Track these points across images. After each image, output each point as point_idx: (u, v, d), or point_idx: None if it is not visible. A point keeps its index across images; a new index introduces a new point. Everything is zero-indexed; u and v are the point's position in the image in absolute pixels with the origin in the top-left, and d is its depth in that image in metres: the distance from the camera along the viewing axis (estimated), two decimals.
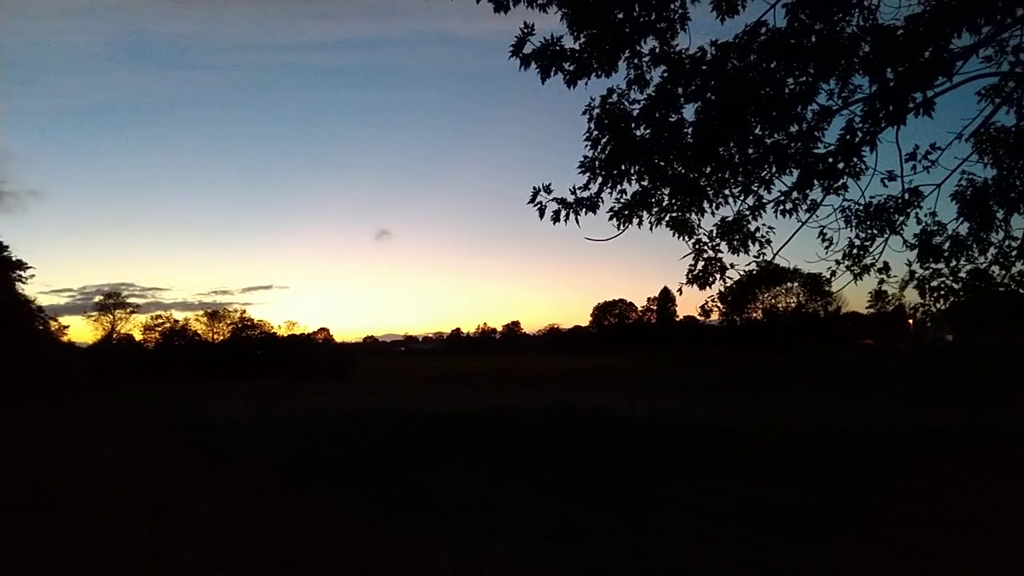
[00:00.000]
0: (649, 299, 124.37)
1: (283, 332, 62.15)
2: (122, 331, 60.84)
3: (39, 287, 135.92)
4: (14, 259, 33.13)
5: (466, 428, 15.83)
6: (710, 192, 6.86)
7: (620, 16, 6.04)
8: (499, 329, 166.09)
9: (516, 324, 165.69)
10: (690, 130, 6.35)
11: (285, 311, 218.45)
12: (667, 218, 7.11)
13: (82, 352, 47.61)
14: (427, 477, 10.09)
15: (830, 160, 6.44)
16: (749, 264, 7.29)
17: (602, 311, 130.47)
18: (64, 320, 59.79)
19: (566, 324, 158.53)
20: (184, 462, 11.80)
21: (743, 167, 6.59)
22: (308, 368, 51.94)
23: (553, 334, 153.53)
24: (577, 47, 6.21)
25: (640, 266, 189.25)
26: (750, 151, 6.49)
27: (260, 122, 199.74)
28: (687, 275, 7.33)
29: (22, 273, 33.41)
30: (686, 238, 7.23)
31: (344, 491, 9.19)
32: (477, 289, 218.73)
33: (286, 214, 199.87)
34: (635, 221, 6.97)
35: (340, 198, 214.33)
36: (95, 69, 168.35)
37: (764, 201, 6.88)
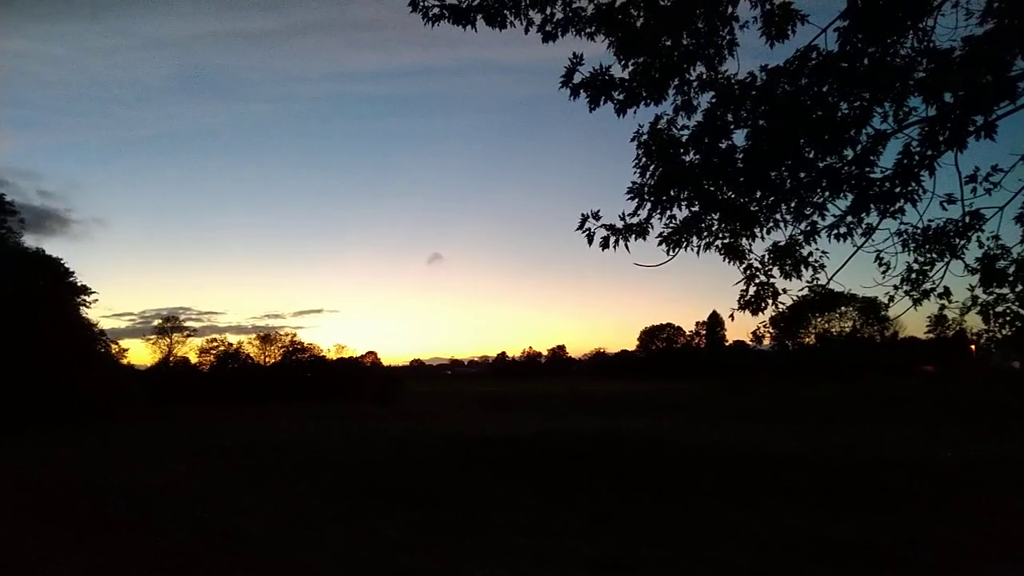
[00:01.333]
0: (698, 323, 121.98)
1: (332, 355, 63.29)
2: (179, 354, 62.57)
3: (102, 311, 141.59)
4: (79, 284, 34.80)
5: (511, 453, 15.77)
6: (761, 217, 6.77)
7: (668, 43, 6.05)
8: (544, 353, 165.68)
9: (562, 348, 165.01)
10: (741, 155, 6.29)
11: (335, 335, 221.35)
12: (717, 243, 7.03)
13: (141, 374, 49.21)
14: (472, 502, 10.07)
15: (886, 184, 6.29)
16: (802, 289, 7.15)
17: (649, 335, 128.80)
18: (124, 343, 61.68)
19: (612, 348, 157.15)
20: (234, 483, 12.05)
21: (795, 192, 6.49)
22: (356, 391, 52.78)
23: (599, 358, 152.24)
24: (626, 76, 6.23)
25: (688, 290, 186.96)
26: (802, 175, 6.39)
27: (314, 151, 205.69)
28: (739, 300, 7.21)
29: (86, 298, 35.11)
30: (737, 263, 7.13)
31: (389, 514, 9.25)
32: (523, 313, 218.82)
33: (338, 240, 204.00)
34: (684, 246, 6.91)
35: (390, 224, 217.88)
36: (157, 101, 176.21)
37: (818, 226, 6.76)
